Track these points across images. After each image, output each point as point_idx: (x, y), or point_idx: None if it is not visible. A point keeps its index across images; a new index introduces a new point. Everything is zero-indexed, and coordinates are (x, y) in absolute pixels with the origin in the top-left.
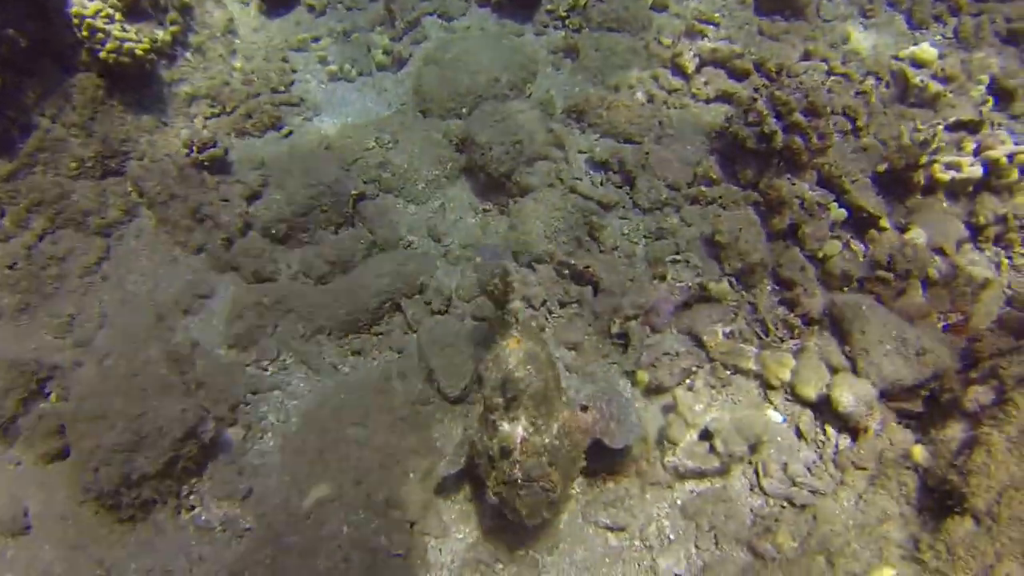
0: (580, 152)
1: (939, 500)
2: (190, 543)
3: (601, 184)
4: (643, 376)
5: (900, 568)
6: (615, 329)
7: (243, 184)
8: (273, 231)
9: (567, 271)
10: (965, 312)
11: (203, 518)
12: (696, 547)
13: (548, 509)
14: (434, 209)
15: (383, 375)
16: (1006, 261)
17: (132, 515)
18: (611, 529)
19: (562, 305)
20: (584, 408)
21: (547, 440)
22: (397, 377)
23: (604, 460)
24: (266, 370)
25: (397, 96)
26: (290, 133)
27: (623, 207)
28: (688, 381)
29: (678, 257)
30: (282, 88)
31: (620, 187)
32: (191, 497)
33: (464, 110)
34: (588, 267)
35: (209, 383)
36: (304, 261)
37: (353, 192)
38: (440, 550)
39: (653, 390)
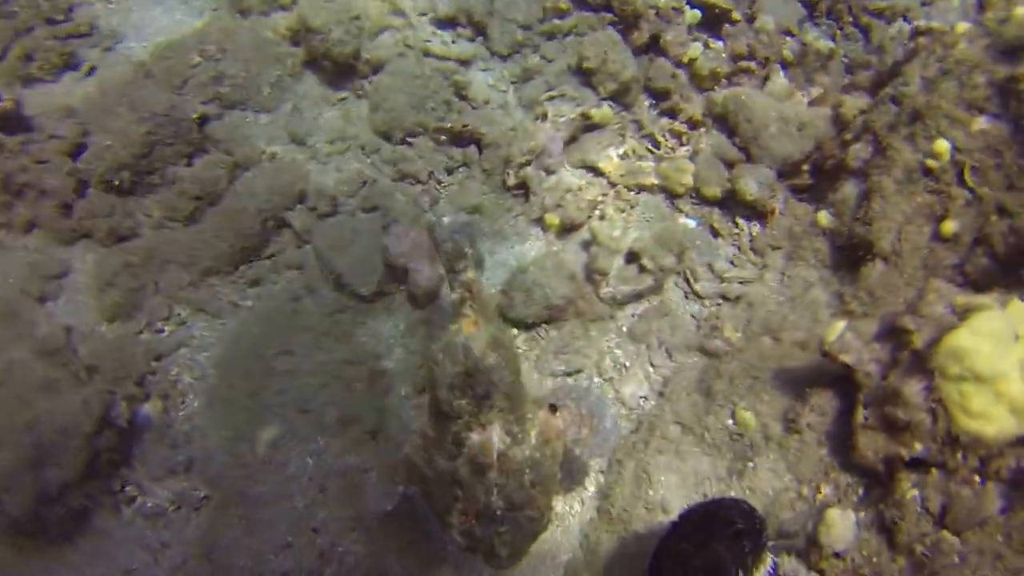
0: (422, 15)
1: (850, 255)
2: (144, 534)
3: (453, 42)
4: (553, 219)
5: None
6: (511, 181)
7: (58, 139)
8: (116, 182)
9: (445, 136)
10: (822, 84)
11: (149, 505)
12: (652, 366)
13: (531, 544)
14: (288, 112)
15: (289, 296)
16: (839, 32)
17: (65, 531)
18: (568, 374)
19: (449, 172)
20: (554, 408)
21: (527, 452)
22: (305, 294)
23: None
24: (162, 331)
25: (206, 0)
26: (92, 69)
27: (482, 59)
28: (598, 211)
29: (553, 93)
30: (59, 17)
31: (473, 39)
32: (127, 489)
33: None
34: (466, 126)
35: (102, 365)
36: (165, 204)
37: (194, 115)
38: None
39: (567, 229)
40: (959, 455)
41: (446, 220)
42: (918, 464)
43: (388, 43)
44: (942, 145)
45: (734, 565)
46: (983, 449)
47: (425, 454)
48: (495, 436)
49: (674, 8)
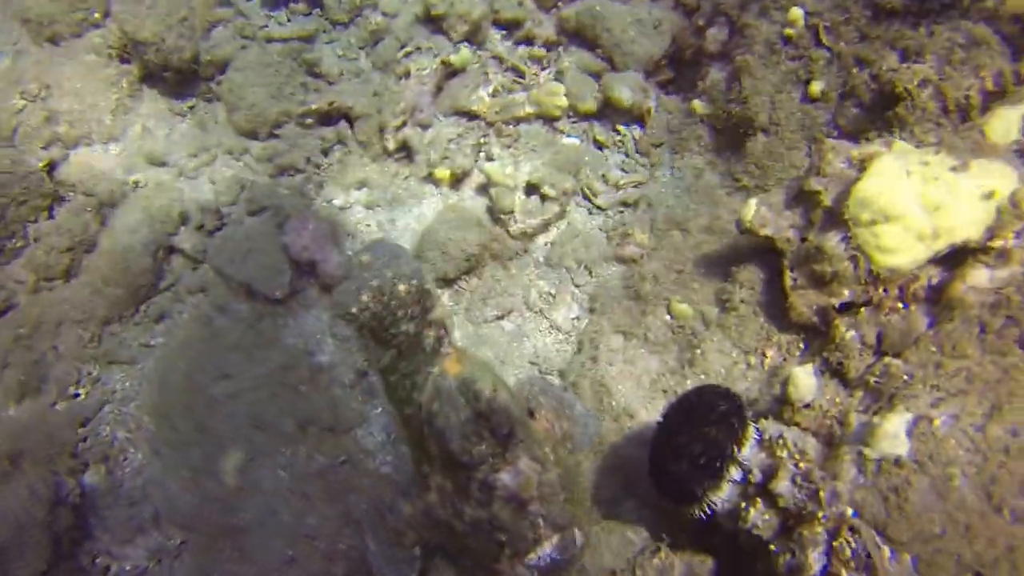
0: (249, 0)
1: (731, 135)
2: None
3: (289, 20)
4: (443, 172)
5: (730, 201)
6: (391, 146)
7: None
8: None
9: (312, 119)
10: None
11: (127, 568)
12: (576, 286)
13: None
14: (137, 135)
15: (202, 321)
16: None
17: None
18: (500, 317)
19: (326, 153)
20: (531, 413)
21: (555, 473)
22: (218, 314)
23: None
24: (77, 395)
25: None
26: None
27: (324, 31)
28: (483, 154)
29: (408, 49)
30: None
31: (309, 13)
32: (98, 561)
33: (97, 14)
34: (332, 103)
35: (27, 448)
36: (36, 265)
37: (40, 164)
38: (372, 434)
39: (459, 179)
40: (882, 290)
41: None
42: (848, 307)
43: (225, 38)
44: (795, 13)
45: (729, 442)
46: (900, 278)
47: (449, 508)
48: (528, 469)
49: None
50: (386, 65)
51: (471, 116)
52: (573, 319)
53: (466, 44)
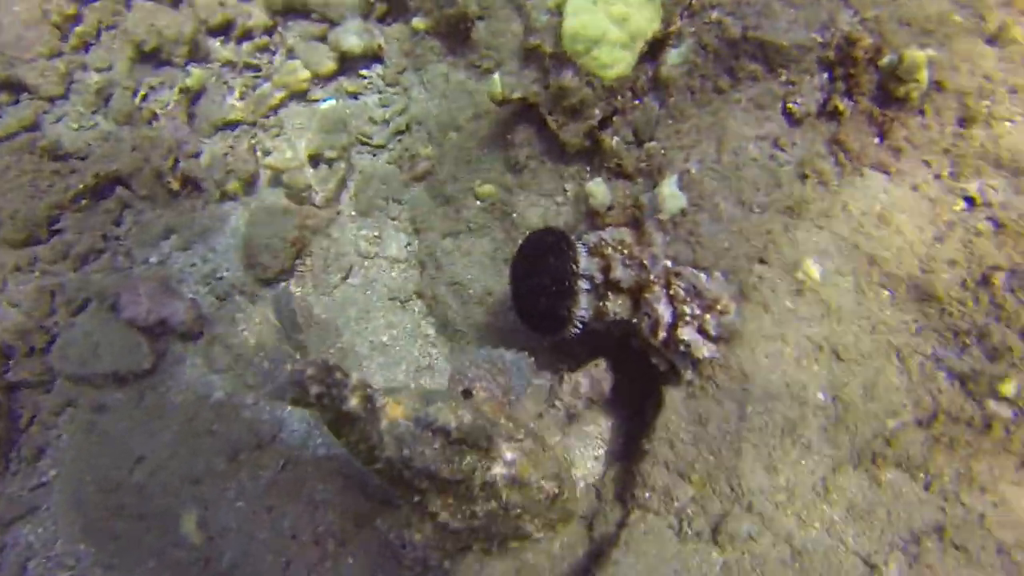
0: None
1: (456, 34)
2: None
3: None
4: (234, 185)
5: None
6: (176, 185)
7: None
8: None
9: (84, 199)
10: None
11: None
12: (392, 219)
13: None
14: None
15: (86, 431)
16: None
17: None
18: (345, 277)
19: (118, 223)
20: (468, 393)
21: (529, 440)
22: (97, 415)
23: None
24: None
25: None
26: None
27: (45, 112)
28: (259, 152)
29: (142, 92)
30: None
31: (16, 101)
32: None
33: None
34: (96, 175)
35: None
36: None
37: None
38: (294, 431)
39: (251, 183)
40: (619, 97)
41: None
42: (604, 122)
43: None
44: None
45: (567, 263)
46: (627, 81)
47: (460, 515)
48: (514, 452)
49: None
50: (129, 117)
51: (232, 125)
52: (405, 246)
53: (194, 65)
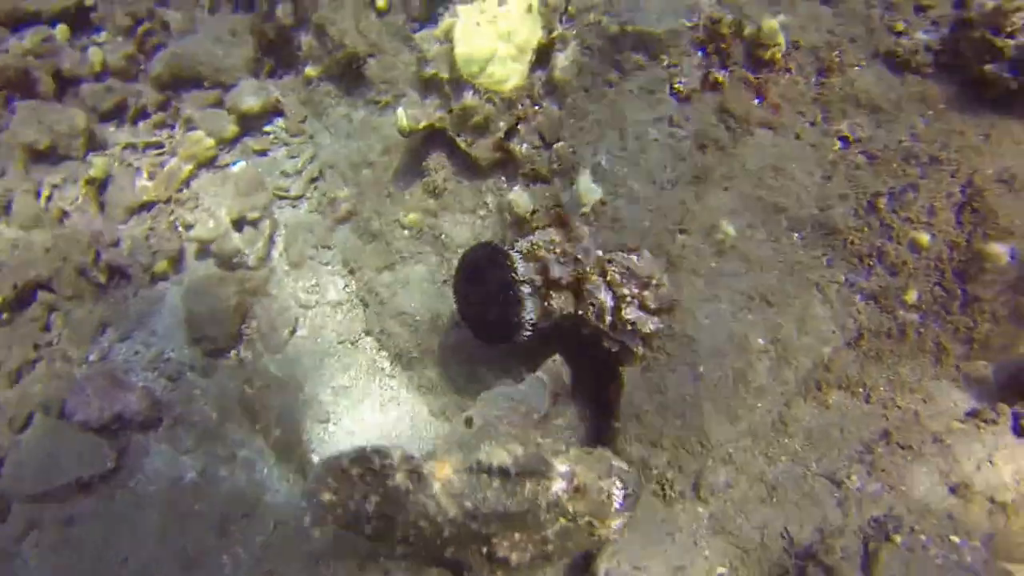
0: None
1: (350, 74)
2: None
3: None
4: (161, 266)
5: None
6: (102, 278)
7: None
8: None
9: (5, 313)
10: None
11: None
12: (326, 264)
13: None
14: None
15: (55, 549)
16: None
17: None
18: (293, 331)
19: (47, 328)
20: (469, 421)
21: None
22: (67, 528)
23: None
24: None
25: None
26: None
27: None
28: (181, 227)
29: (44, 193)
30: None
31: None
32: None
33: None
34: (13, 286)
35: None
36: None
37: None
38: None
39: (178, 259)
40: (520, 106)
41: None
42: (510, 133)
43: None
44: None
45: (506, 272)
46: (524, 91)
47: (538, 540)
48: (563, 466)
49: None
50: (36, 221)
51: (147, 206)
52: (344, 289)
53: (94, 154)
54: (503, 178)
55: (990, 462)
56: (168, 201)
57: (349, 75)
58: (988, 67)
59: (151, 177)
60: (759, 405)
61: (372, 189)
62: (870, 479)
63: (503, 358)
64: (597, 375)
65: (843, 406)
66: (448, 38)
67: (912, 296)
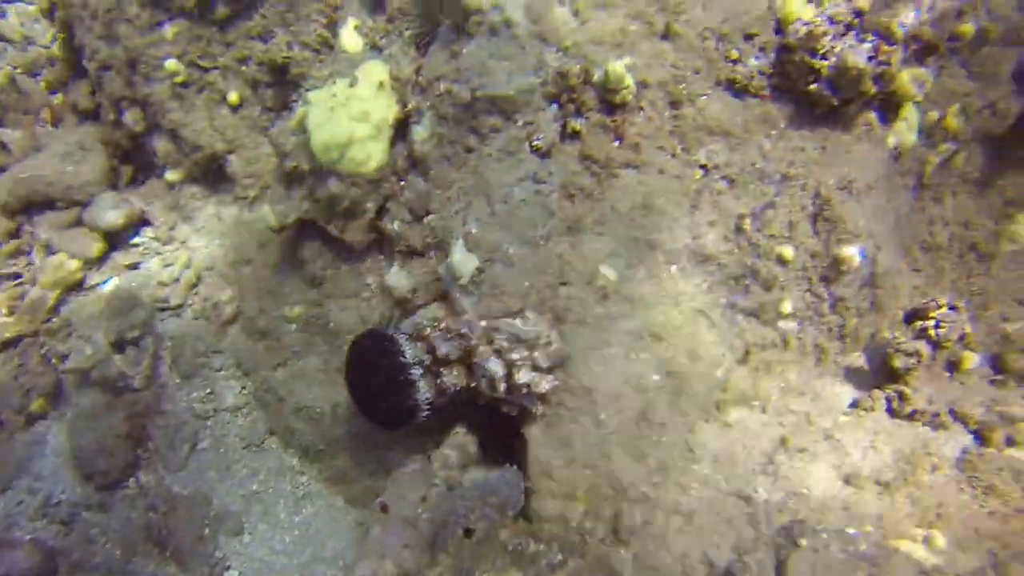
0: None
1: (212, 173)
2: None
3: None
4: (37, 404)
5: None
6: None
7: None
8: None
9: None
10: None
11: None
12: (219, 370)
13: None
14: None
15: None
16: None
17: None
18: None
19: None
20: (469, 532)
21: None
22: None
23: None
24: None
25: None
26: None
27: None
28: (53, 360)
29: None
30: None
31: None
32: None
33: None
34: None
35: None
36: None
37: None
38: None
39: (54, 395)
40: (386, 184)
41: None
42: (380, 211)
43: None
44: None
45: (396, 357)
46: (386, 171)
47: None
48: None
49: None
50: None
51: (12, 342)
52: (241, 391)
53: None
54: (381, 257)
55: (873, 448)
56: (36, 334)
57: (212, 174)
58: (812, 87)
59: (12, 311)
60: (664, 439)
61: (254, 286)
62: (775, 488)
63: (408, 438)
64: (503, 438)
65: (743, 422)
66: (303, 128)
67: (787, 307)
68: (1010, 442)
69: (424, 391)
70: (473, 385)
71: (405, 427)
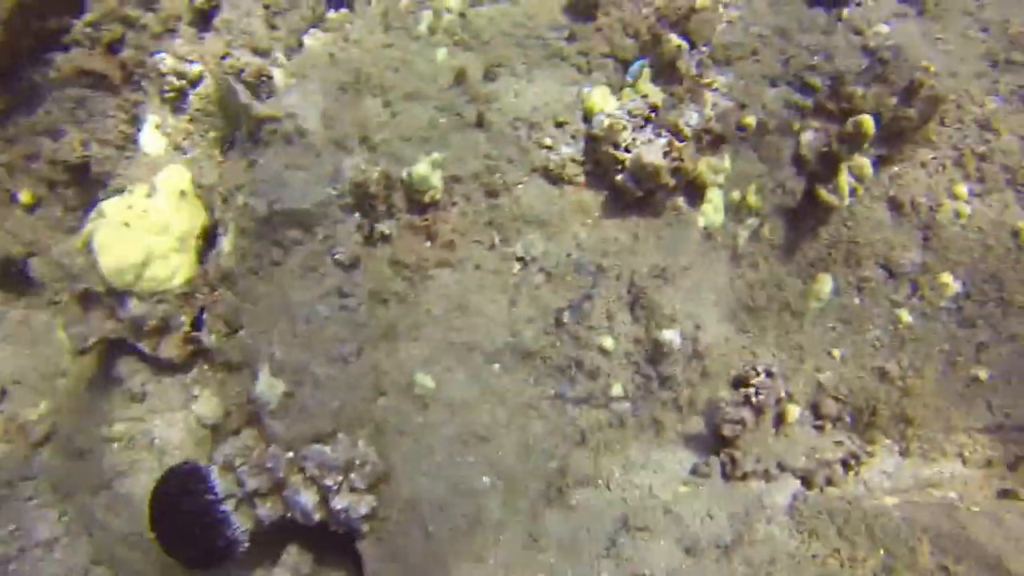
0: None
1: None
2: None
3: None
4: None
5: None
6: None
7: None
8: None
9: None
10: None
11: None
12: (34, 499)
13: None
14: None
15: None
16: None
17: None
18: None
19: None
20: None
21: None
22: None
23: None
24: None
25: None
26: None
27: None
28: None
29: None
30: None
31: None
32: None
33: None
34: None
35: None
36: None
37: None
38: None
39: None
40: (199, 295)
41: None
42: (196, 323)
43: None
44: None
45: (202, 496)
46: (199, 281)
47: None
48: None
49: None
50: None
51: None
52: (60, 519)
53: None
54: (206, 367)
55: (709, 516)
56: None
57: (13, 279)
58: (618, 178)
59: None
60: (502, 537)
61: (68, 402)
62: (618, 572)
63: (242, 563)
64: (342, 544)
65: (586, 502)
66: (88, 248)
67: (617, 389)
68: (828, 482)
69: (238, 525)
70: (289, 516)
71: (223, 563)
